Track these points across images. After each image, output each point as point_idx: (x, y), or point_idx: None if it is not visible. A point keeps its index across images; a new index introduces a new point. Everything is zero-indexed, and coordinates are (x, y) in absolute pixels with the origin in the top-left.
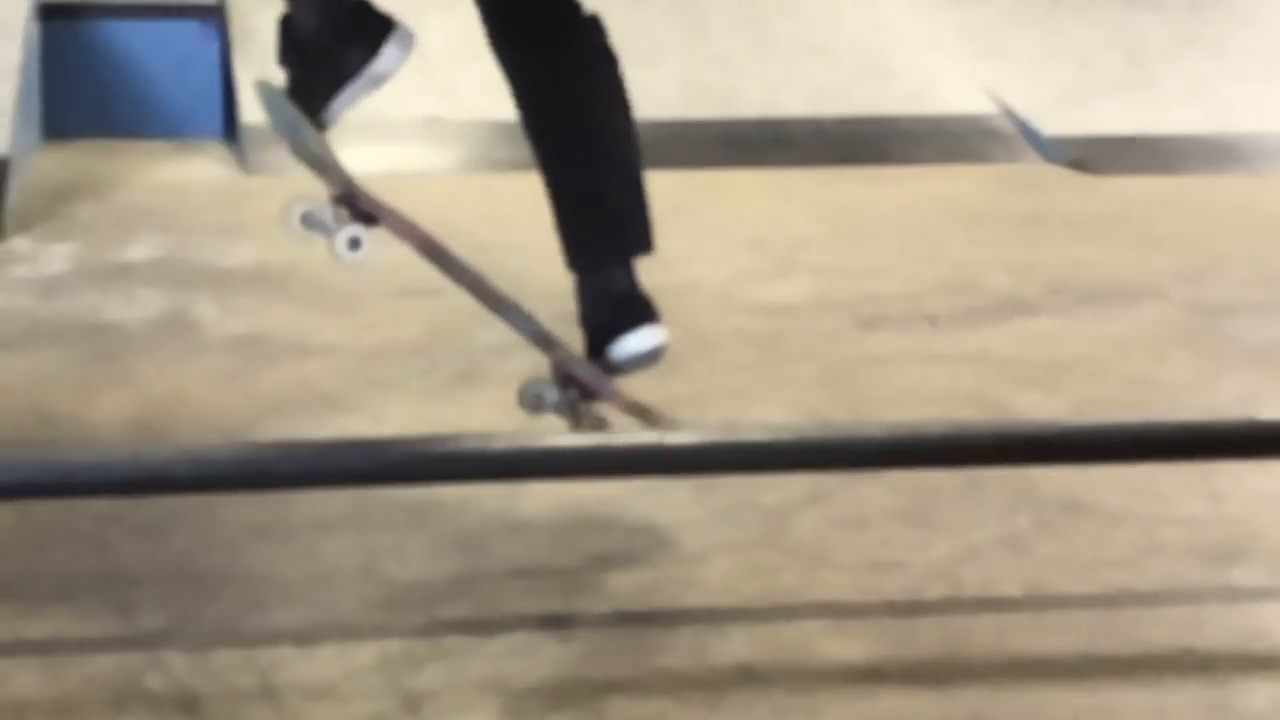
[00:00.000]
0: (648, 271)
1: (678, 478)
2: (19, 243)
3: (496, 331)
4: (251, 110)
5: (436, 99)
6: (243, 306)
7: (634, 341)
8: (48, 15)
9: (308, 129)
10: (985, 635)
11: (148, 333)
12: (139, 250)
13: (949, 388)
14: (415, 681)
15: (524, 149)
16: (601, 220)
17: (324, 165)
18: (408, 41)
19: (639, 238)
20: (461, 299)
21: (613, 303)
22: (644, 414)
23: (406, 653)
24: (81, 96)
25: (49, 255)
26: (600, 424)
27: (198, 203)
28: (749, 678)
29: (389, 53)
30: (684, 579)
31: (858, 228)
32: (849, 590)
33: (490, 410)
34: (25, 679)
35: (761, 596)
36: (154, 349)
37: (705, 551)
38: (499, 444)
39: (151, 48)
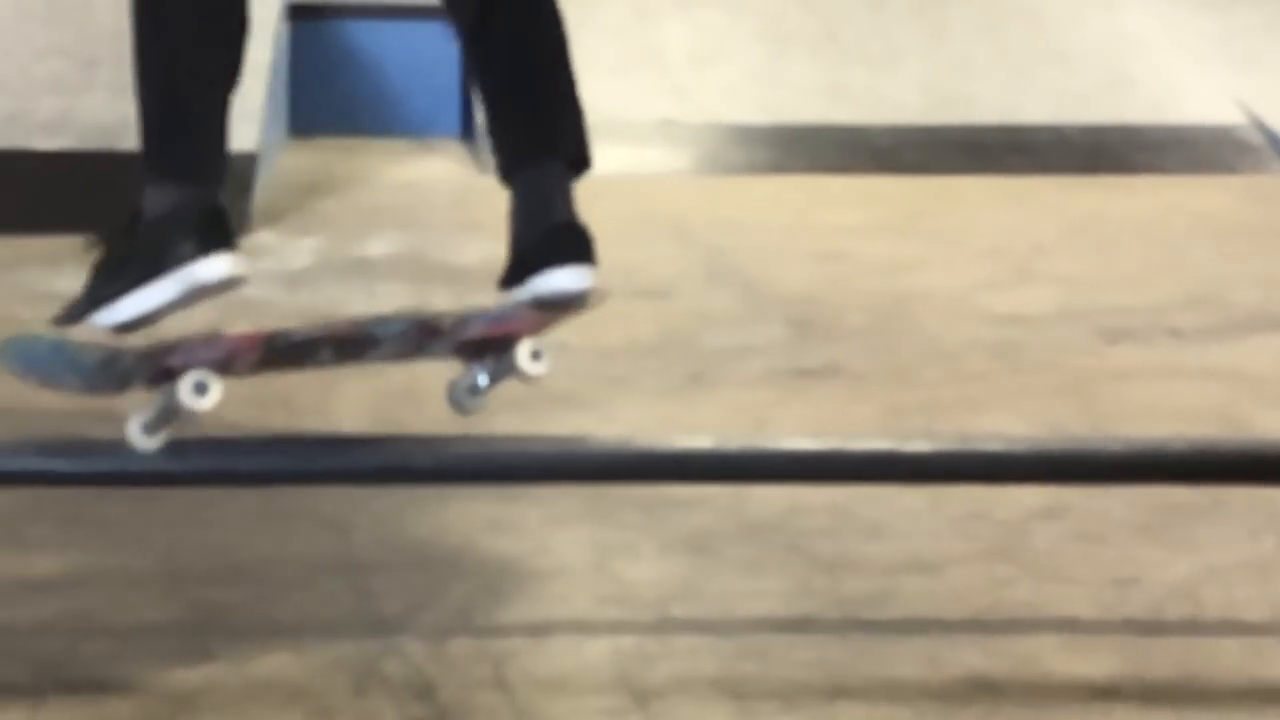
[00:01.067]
0: (880, 274)
1: (912, 486)
2: (265, 236)
3: (729, 334)
4: None
5: (672, 101)
6: (479, 302)
7: (563, 277)
8: (296, 15)
9: (78, 350)
10: (1227, 659)
11: None
12: (379, 246)
13: (1193, 404)
14: (647, 678)
15: (759, 152)
16: (538, 118)
17: (113, 363)
18: (241, 268)
19: (577, 147)
20: (693, 301)
21: (548, 229)
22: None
23: (638, 649)
24: (326, 95)
25: (294, 249)
26: (525, 375)
27: (436, 200)
28: (982, 690)
29: (218, 263)
30: (917, 588)
31: (1100, 237)
32: (1086, 606)
33: (721, 411)
34: (273, 661)
35: (996, 608)
36: None
37: (939, 561)
38: (732, 445)
39: (394, 48)
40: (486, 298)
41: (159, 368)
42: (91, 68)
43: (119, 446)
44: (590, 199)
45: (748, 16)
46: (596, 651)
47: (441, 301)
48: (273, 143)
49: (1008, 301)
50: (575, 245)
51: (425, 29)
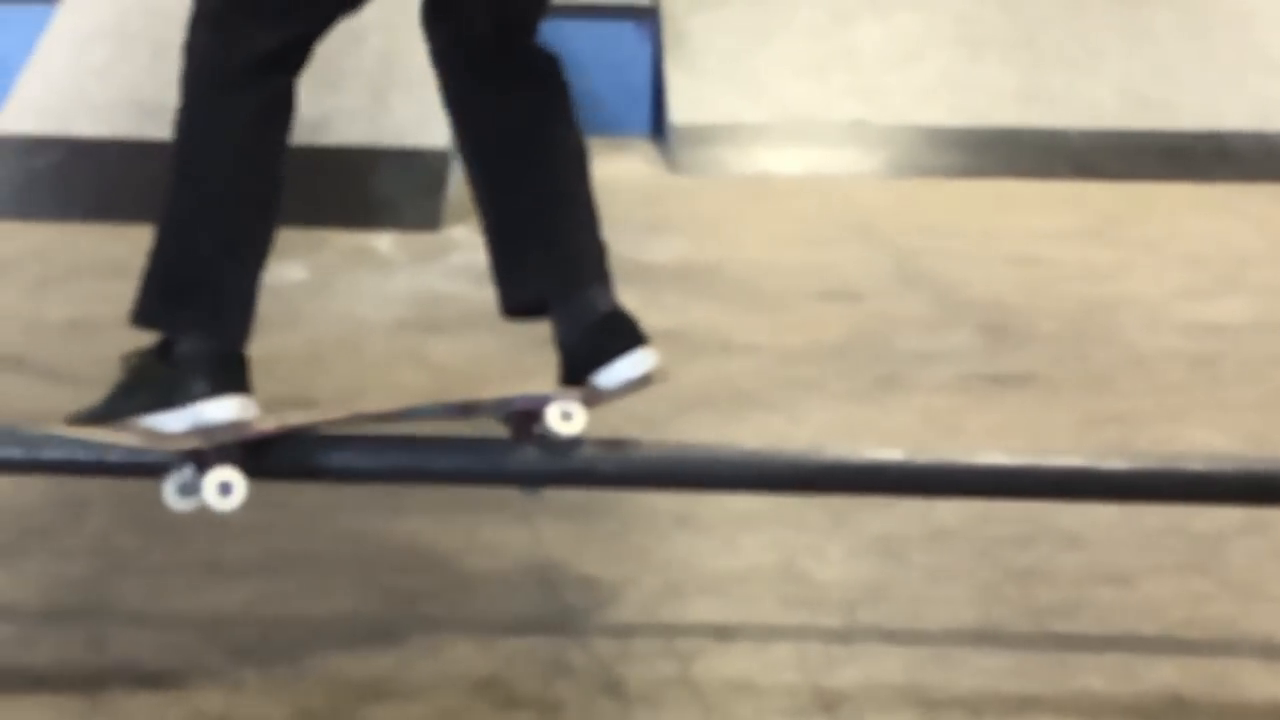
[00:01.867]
0: (1076, 281)
1: (1110, 504)
2: (457, 231)
3: (919, 338)
4: (680, 110)
5: (864, 102)
6: (667, 302)
7: (624, 368)
8: None
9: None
10: None
11: None
12: None
13: None
14: (833, 682)
15: (952, 155)
16: (567, 253)
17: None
18: (251, 412)
19: (600, 267)
20: (883, 304)
21: (596, 325)
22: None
23: (825, 653)
24: None
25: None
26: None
27: (626, 199)
28: (1175, 707)
29: (227, 405)
30: (1110, 600)
31: None
32: None
33: (910, 417)
34: (461, 651)
35: (1191, 624)
36: None
37: (1133, 573)
38: (923, 458)
39: (588, 47)
40: (674, 296)
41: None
42: None
43: (313, 438)
44: (781, 199)
45: (943, 18)
46: (782, 653)
47: (627, 300)
48: None
49: (1208, 311)
50: (625, 333)
51: (616, 28)
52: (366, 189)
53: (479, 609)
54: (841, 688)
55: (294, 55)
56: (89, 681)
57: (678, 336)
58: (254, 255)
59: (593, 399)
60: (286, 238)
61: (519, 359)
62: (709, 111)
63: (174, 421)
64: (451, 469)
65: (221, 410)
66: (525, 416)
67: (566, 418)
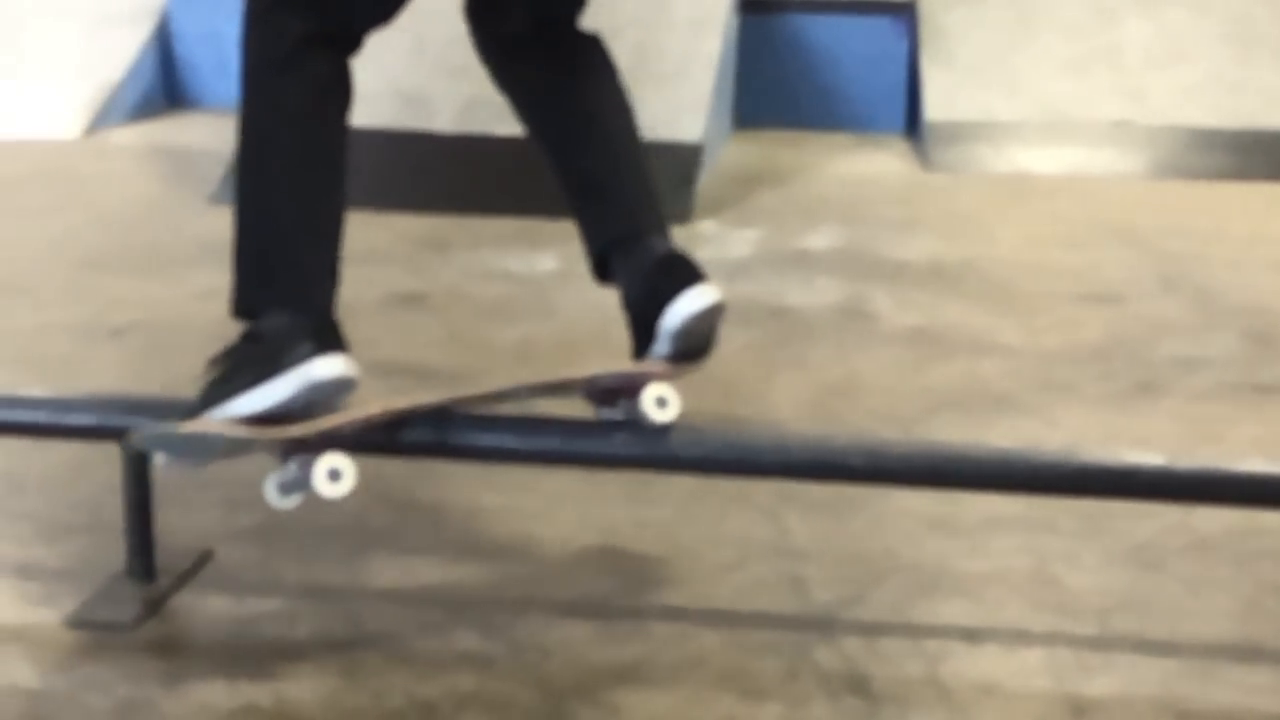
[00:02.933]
0: None
1: None
2: (706, 225)
3: (1181, 343)
4: (936, 106)
5: (1127, 102)
6: (918, 300)
7: (686, 303)
8: (747, 8)
9: (209, 441)
10: None
11: (825, 320)
12: (819, 239)
13: None
14: (1084, 690)
15: (1219, 157)
16: (627, 207)
17: (243, 448)
18: (354, 370)
19: (661, 222)
20: (1144, 308)
21: (654, 268)
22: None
23: (1077, 660)
24: (772, 88)
25: (734, 239)
26: (650, 421)
27: (877, 196)
28: None
29: (334, 363)
30: None
31: None
32: None
33: (1169, 423)
34: (706, 641)
35: None
36: (831, 336)
37: None
38: (1183, 464)
39: (842, 42)
40: (926, 295)
41: (290, 451)
42: None
43: (566, 426)
44: (1037, 199)
45: (1213, 17)
46: (1033, 659)
47: (879, 298)
48: (717, 134)
49: None
50: (684, 271)
51: (875, 24)
52: None
53: (724, 600)
54: (1094, 696)
55: (340, 38)
56: (346, 655)
57: (929, 336)
58: (328, 228)
59: (674, 373)
60: (538, 228)
61: (764, 356)
62: (965, 108)
63: (281, 388)
64: (708, 458)
65: (329, 367)
66: (612, 394)
67: (661, 404)
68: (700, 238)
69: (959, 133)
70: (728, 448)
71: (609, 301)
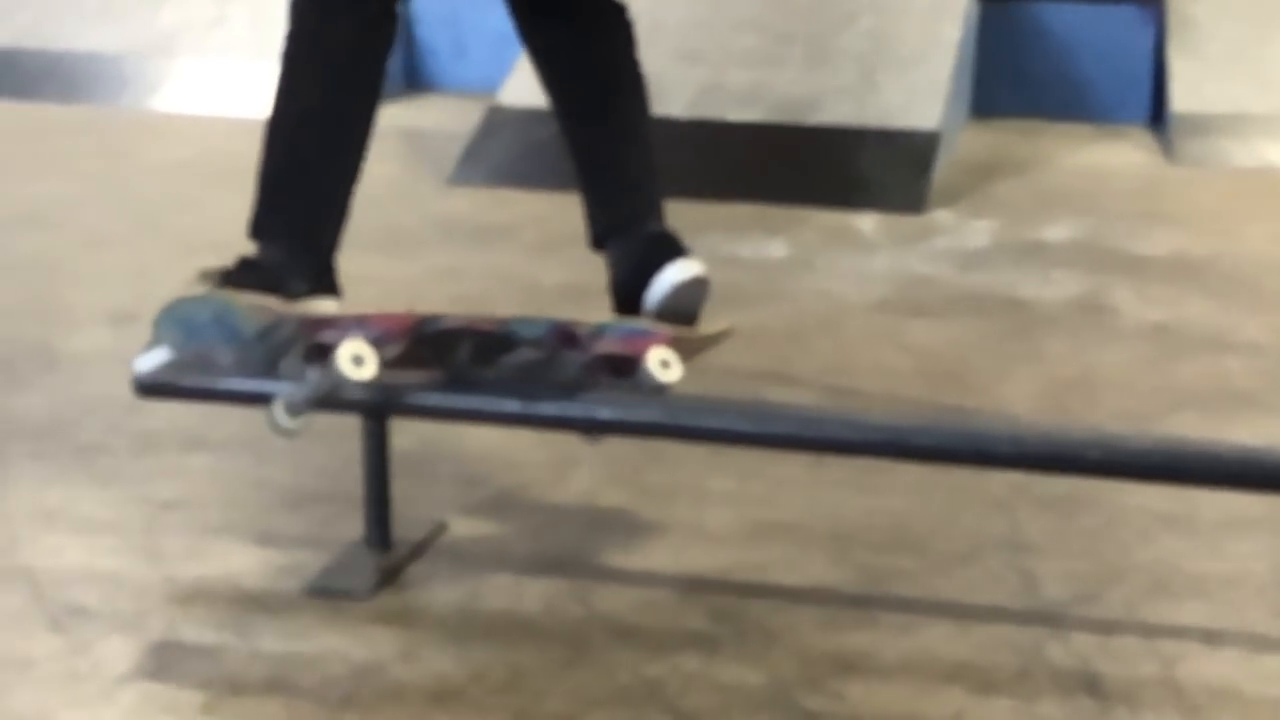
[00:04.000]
0: None
1: None
2: (942, 215)
3: None
4: (1181, 98)
5: None
6: (1159, 295)
7: (671, 273)
8: None
9: (241, 317)
10: None
11: (1062, 313)
12: (1057, 231)
13: None
14: None
15: None
16: (628, 185)
17: (272, 332)
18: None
19: (658, 204)
20: None
21: (642, 246)
22: (693, 341)
23: None
24: (1010, 77)
25: (970, 229)
26: (657, 383)
27: (1118, 188)
28: None
29: (324, 306)
30: None
31: None
32: None
33: None
34: (934, 634)
35: None
36: (1067, 329)
37: None
38: None
39: (1084, 32)
40: (1167, 289)
41: (315, 339)
42: (786, 43)
43: (797, 412)
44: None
45: None
46: (1273, 665)
47: (1119, 292)
48: (955, 122)
49: None
50: (670, 246)
51: (1119, 13)
52: (851, 169)
53: (953, 593)
54: None
55: None
56: (573, 631)
57: (1170, 331)
58: (346, 169)
59: (687, 348)
60: (768, 213)
61: (998, 347)
62: (1212, 101)
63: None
64: (941, 447)
65: (319, 310)
66: (613, 363)
67: (665, 365)
68: (935, 227)
69: (1206, 125)
70: (961, 437)
71: (840, 290)
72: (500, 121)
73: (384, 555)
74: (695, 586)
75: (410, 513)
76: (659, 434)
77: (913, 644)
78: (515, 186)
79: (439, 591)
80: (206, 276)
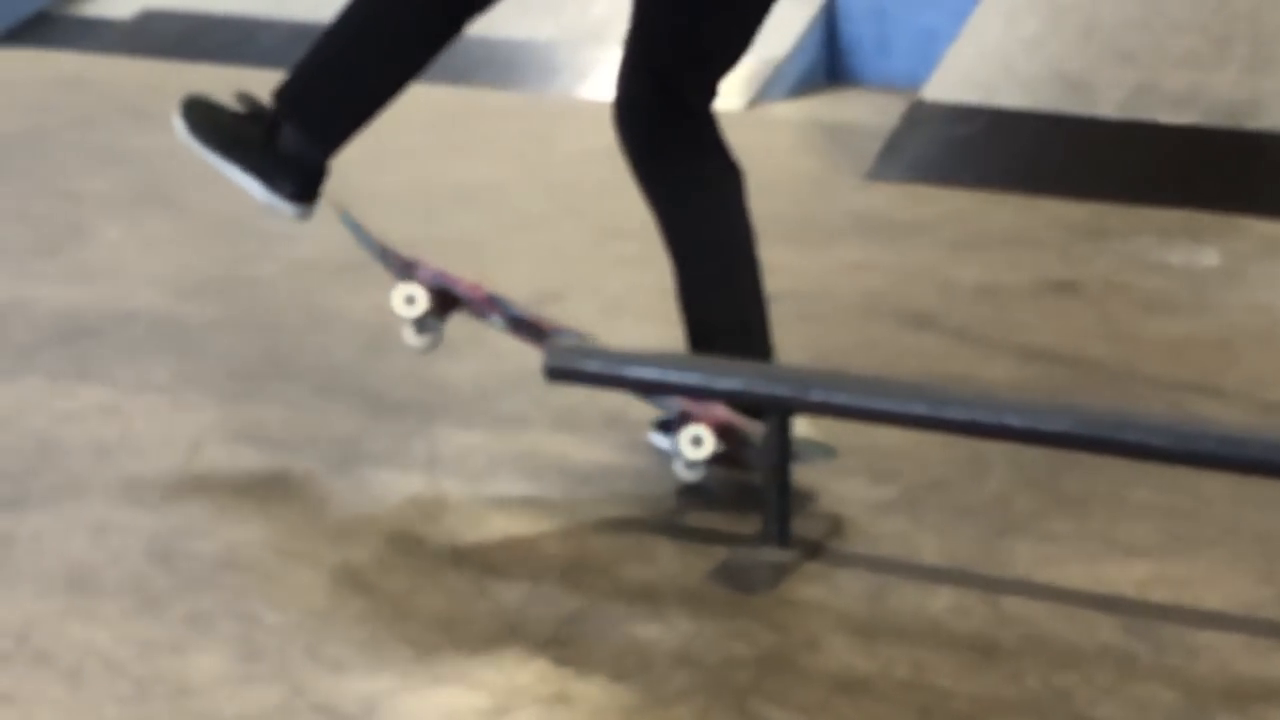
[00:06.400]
0: None
1: None
2: None
3: None
4: None
5: None
6: None
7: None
8: None
9: (365, 234)
10: None
11: None
12: None
13: None
14: None
15: None
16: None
17: (384, 254)
18: (307, 217)
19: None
20: None
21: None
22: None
23: None
24: None
25: None
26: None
27: None
28: None
29: (298, 210)
30: None
31: None
32: None
33: None
34: None
35: None
36: None
37: None
38: None
39: None
40: None
41: (401, 270)
42: (1225, 44)
43: (1221, 429)
44: None
45: None
46: None
47: None
48: None
49: None
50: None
51: None
52: None
53: None
54: None
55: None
56: (981, 634)
57: None
58: (378, 98)
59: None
60: (1202, 220)
61: None
62: None
63: (257, 193)
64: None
65: (289, 211)
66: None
67: (696, 442)
68: None
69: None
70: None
71: (1276, 303)
72: (922, 117)
73: (783, 550)
74: (1109, 598)
75: (813, 506)
76: (1072, 445)
77: None
78: (934, 183)
79: (844, 585)
80: (249, 114)
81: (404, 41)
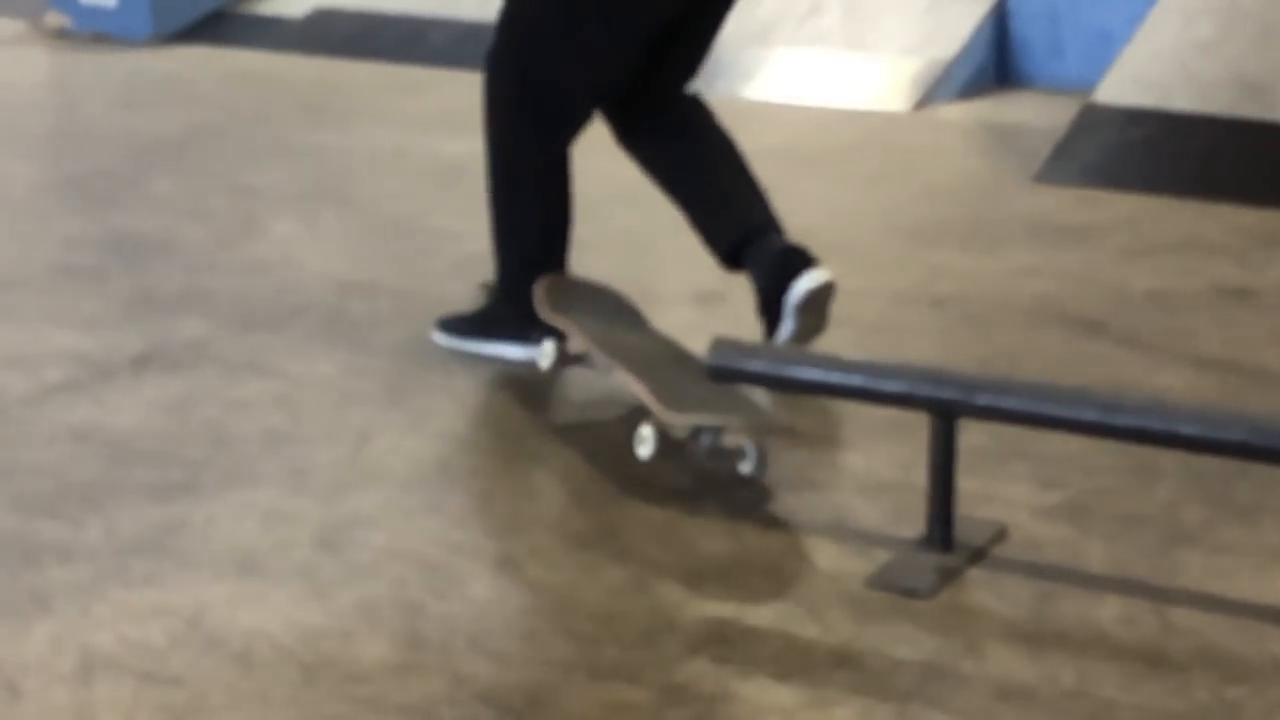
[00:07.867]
0: None
1: None
2: None
3: None
4: None
5: None
6: None
7: (804, 282)
8: None
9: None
10: None
11: None
12: None
13: None
14: None
15: None
16: (747, 206)
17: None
18: (536, 354)
19: (770, 217)
20: None
21: (776, 259)
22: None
23: None
24: None
25: None
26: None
27: None
28: None
29: (547, 349)
30: None
31: None
32: None
33: None
34: None
35: None
36: None
37: None
38: None
39: None
40: None
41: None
42: None
43: None
44: None
45: None
46: None
47: None
48: None
49: None
50: (802, 257)
51: None
52: None
53: None
54: None
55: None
56: (1148, 644)
57: None
58: (558, 246)
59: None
60: None
61: None
62: None
63: (518, 353)
64: None
65: (546, 356)
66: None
67: (641, 440)
68: None
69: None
70: None
71: None
72: (1094, 120)
73: (946, 554)
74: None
75: (976, 511)
76: (1246, 455)
77: None
78: (1106, 187)
79: (1008, 591)
80: (484, 288)
81: (558, 183)
